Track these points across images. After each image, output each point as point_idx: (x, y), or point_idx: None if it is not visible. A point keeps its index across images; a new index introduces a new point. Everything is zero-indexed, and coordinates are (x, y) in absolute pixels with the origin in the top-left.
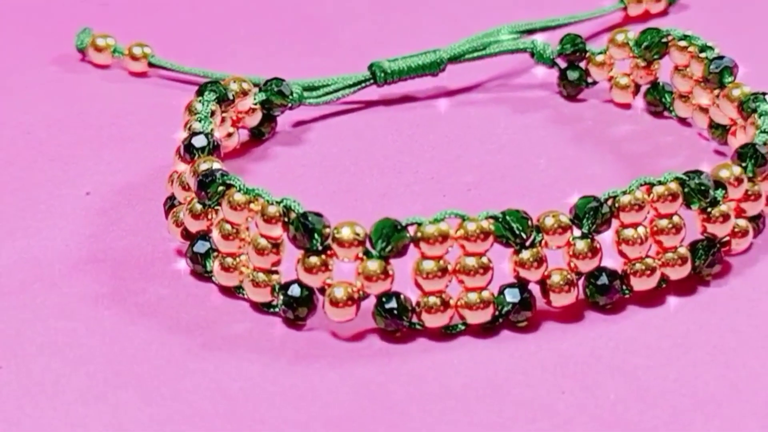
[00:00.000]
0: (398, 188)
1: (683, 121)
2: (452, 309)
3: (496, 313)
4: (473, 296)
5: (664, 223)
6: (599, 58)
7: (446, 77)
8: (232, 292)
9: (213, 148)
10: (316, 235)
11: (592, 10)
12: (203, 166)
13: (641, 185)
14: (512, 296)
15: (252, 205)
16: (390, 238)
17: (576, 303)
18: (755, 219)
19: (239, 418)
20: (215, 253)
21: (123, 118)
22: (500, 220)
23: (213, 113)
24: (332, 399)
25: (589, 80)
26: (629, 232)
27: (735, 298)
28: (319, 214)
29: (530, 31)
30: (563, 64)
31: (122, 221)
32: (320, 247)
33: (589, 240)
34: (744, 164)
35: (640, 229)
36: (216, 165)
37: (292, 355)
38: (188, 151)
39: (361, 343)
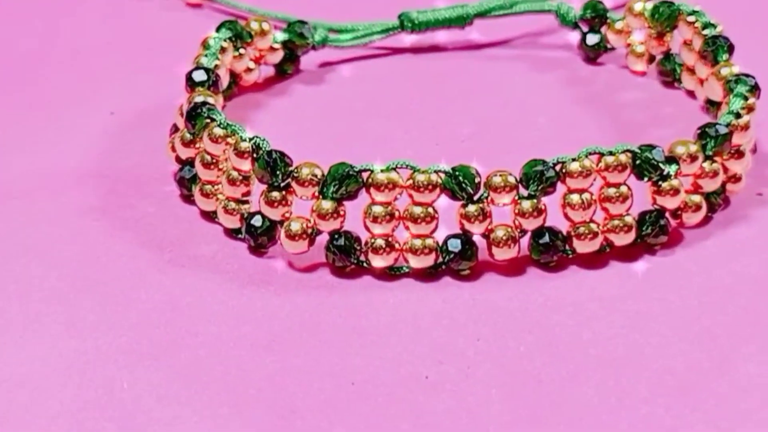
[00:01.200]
0: (396, 133)
1: (691, 93)
2: (397, 252)
3: (439, 260)
4: (417, 242)
5: (611, 191)
6: (618, 25)
7: (479, 31)
8: (209, 217)
9: (212, 83)
10: (278, 172)
11: None
12: (196, 99)
13: (591, 154)
14: (454, 246)
15: (229, 139)
16: (343, 181)
17: (521, 259)
18: (713, 195)
19: (176, 329)
20: (198, 180)
21: (166, 45)
22: (449, 174)
23: (224, 50)
24: (266, 322)
25: (609, 46)
26: (574, 197)
27: (674, 270)
28: (282, 153)
29: None
30: (585, 28)
31: (135, 142)
32: (281, 184)
33: (534, 201)
34: (704, 142)
35: (585, 195)
36: (206, 99)
37: (246, 279)
38: (188, 83)
39: (312, 274)
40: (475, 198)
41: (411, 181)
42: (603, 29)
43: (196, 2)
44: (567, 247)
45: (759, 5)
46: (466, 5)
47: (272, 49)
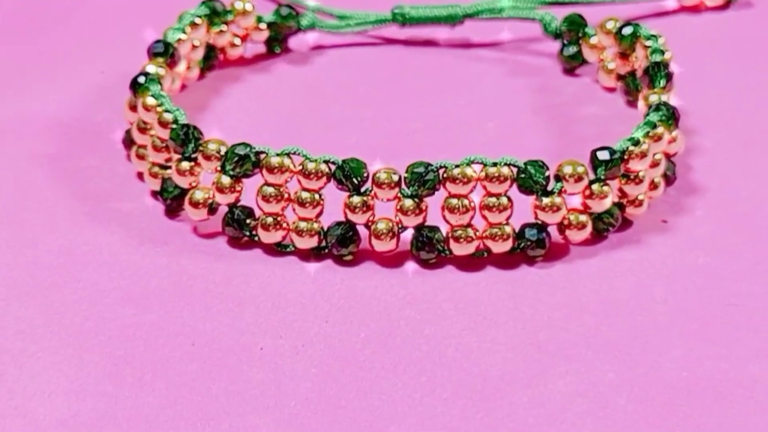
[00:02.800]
0: (351, 121)
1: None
2: (285, 231)
3: (323, 243)
4: (303, 224)
5: (491, 200)
6: (593, 40)
7: (476, 32)
8: (142, 177)
9: (170, 56)
10: (188, 145)
11: None
12: (147, 68)
13: (474, 162)
14: (334, 231)
15: (158, 108)
16: (238, 160)
17: (404, 253)
18: (606, 216)
19: (61, 273)
20: (134, 142)
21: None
22: (339, 166)
23: (197, 26)
24: (145, 277)
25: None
26: (453, 201)
27: (542, 283)
28: (194, 128)
29: (564, 4)
30: (567, 40)
31: (111, 100)
32: (191, 155)
33: (415, 200)
34: (594, 165)
35: (464, 201)
36: (156, 69)
37: (148, 237)
38: (148, 53)
39: (209, 241)
40: (361, 190)
41: (301, 168)
42: (581, 42)
43: None
44: (444, 247)
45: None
46: (457, 6)
47: (258, 28)
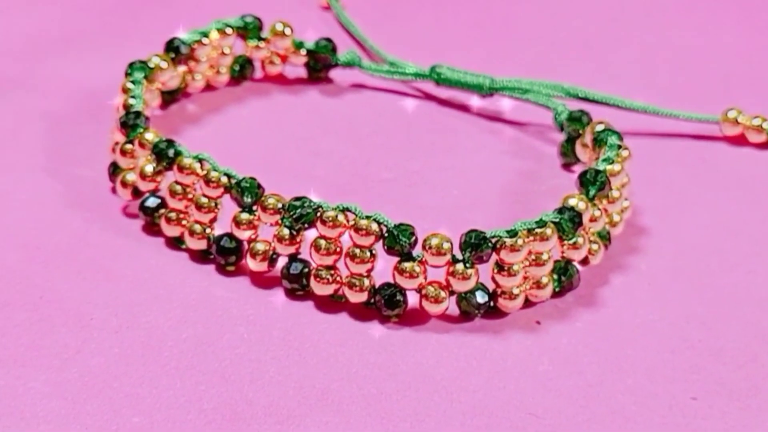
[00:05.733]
0: (333, 157)
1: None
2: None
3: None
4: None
5: (356, 251)
6: (586, 139)
7: (509, 107)
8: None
9: (178, 53)
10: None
11: (685, 112)
12: (152, 58)
13: (346, 210)
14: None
15: (127, 93)
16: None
17: (276, 278)
18: (468, 296)
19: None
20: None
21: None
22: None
23: (226, 34)
24: (51, 234)
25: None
26: (321, 242)
27: (379, 344)
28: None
29: (590, 101)
30: (567, 135)
31: None
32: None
33: (292, 232)
34: (462, 245)
35: (330, 244)
36: (155, 61)
37: (82, 203)
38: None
39: (132, 221)
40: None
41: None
42: (577, 140)
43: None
44: (306, 282)
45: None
46: (489, 78)
47: (296, 52)
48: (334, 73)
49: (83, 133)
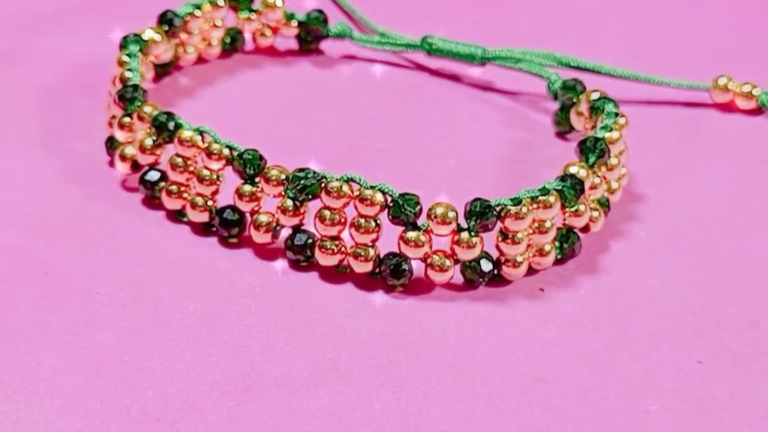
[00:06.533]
0: (328, 128)
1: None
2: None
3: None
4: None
5: (361, 221)
6: (581, 107)
7: (501, 77)
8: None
9: (172, 25)
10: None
11: (675, 79)
12: (146, 31)
13: (351, 181)
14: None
15: (123, 66)
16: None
17: (279, 249)
18: (473, 264)
19: None
20: None
21: None
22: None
23: (218, 6)
24: (52, 210)
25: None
26: (325, 213)
27: (383, 312)
28: (171, 114)
29: (581, 69)
30: (561, 103)
31: None
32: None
33: (296, 202)
34: (467, 214)
35: (335, 215)
36: (149, 34)
37: (80, 179)
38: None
39: (131, 195)
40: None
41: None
42: (571, 109)
43: None
44: (310, 253)
45: None
46: (480, 47)
47: (287, 24)
48: (325, 45)
49: (77, 107)
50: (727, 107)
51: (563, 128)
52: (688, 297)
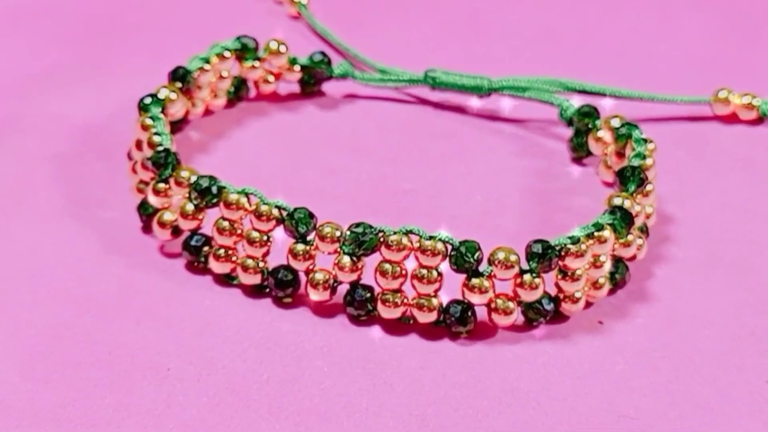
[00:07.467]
0: (349, 172)
1: None
2: (233, 264)
3: (264, 282)
4: (249, 261)
5: (423, 272)
6: (599, 133)
7: (508, 106)
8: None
9: (185, 82)
10: (165, 169)
11: (676, 95)
12: (160, 91)
13: (410, 233)
14: (275, 273)
15: (151, 130)
16: (201, 191)
17: (337, 305)
18: (536, 305)
19: (18, 265)
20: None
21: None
22: (288, 213)
23: (225, 58)
24: (91, 283)
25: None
26: (386, 266)
27: (455, 360)
28: (174, 154)
29: (587, 93)
30: (577, 129)
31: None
32: (167, 179)
33: (353, 258)
34: (528, 256)
35: (396, 267)
36: (164, 93)
37: (115, 247)
38: (169, 76)
39: (170, 261)
40: (307, 239)
41: (255, 208)
42: (588, 134)
43: (295, 14)
44: (371, 307)
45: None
46: (486, 78)
47: (291, 69)
48: (326, 86)
49: (94, 172)
50: (729, 119)
51: (580, 154)
52: (742, 317)
